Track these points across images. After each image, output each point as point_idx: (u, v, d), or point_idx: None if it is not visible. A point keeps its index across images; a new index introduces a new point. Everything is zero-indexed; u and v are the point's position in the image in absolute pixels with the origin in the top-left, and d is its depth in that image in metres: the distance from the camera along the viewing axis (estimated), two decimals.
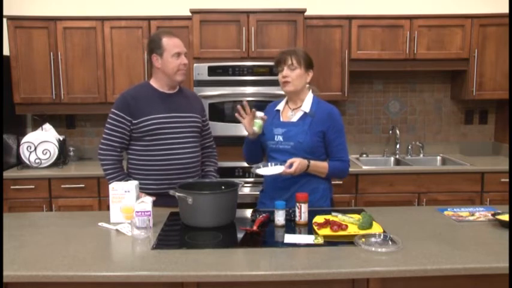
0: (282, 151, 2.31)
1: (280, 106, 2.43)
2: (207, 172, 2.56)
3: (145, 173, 2.36)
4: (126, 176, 2.38)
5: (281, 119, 2.38)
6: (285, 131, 2.32)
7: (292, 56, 2.27)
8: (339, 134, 2.32)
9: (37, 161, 3.61)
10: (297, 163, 2.17)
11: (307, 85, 2.36)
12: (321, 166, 2.30)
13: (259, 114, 2.30)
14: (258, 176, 2.24)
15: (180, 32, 3.30)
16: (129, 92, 2.39)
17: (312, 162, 2.25)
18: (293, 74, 2.28)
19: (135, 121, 2.32)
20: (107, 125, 2.36)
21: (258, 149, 2.44)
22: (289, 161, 2.18)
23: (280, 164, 2.22)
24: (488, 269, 1.62)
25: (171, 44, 2.33)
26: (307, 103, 2.33)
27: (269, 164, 2.27)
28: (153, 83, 2.43)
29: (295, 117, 2.34)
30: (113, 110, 2.35)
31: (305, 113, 2.31)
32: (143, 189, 2.32)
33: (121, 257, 1.77)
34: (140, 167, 2.37)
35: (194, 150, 2.42)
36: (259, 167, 2.25)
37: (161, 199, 2.28)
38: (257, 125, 2.29)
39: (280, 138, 2.32)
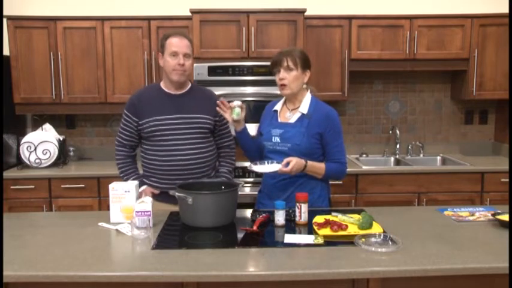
0: (279, 152, 2.29)
1: (278, 106, 2.41)
2: (220, 173, 2.53)
3: (152, 171, 2.41)
4: (136, 171, 2.46)
5: (279, 120, 2.37)
6: (283, 132, 2.30)
7: (288, 58, 2.25)
8: (337, 135, 2.30)
9: (37, 161, 3.61)
10: (294, 162, 2.15)
11: (305, 85, 2.34)
12: (318, 167, 2.28)
13: (237, 103, 2.30)
14: (257, 175, 2.24)
15: None
16: (136, 94, 2.46)
17: (309, 162, 2.23)
18: (290, 76, 2.25)
19: (141, 122, 2.37)
20: (120, 123, 2.46)
21: (250, 145, 2.41)
22: (285, 160, 2.16)
23: (277, 162, 2.19)
24: (488, 269, 1.62)
25: (172, 43, 2.34)
26: (305, 104, 2.31)
27: (266, 162, 2.26)
28: (161, 83, 2.46)
29: (293, 118, 2.32)
30: (124, 109, 2.44)
31: (303, 114, 2.30)
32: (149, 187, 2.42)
33: (121, 257, 1.77)
34: (147, 165, 2.43)
35: (200, 151, 2.39)
36: (256, 164, 2.24)
37: (165, 196, 2.33)
38: (234, 113, 2.28)
39: (278, 139, 2.31)
